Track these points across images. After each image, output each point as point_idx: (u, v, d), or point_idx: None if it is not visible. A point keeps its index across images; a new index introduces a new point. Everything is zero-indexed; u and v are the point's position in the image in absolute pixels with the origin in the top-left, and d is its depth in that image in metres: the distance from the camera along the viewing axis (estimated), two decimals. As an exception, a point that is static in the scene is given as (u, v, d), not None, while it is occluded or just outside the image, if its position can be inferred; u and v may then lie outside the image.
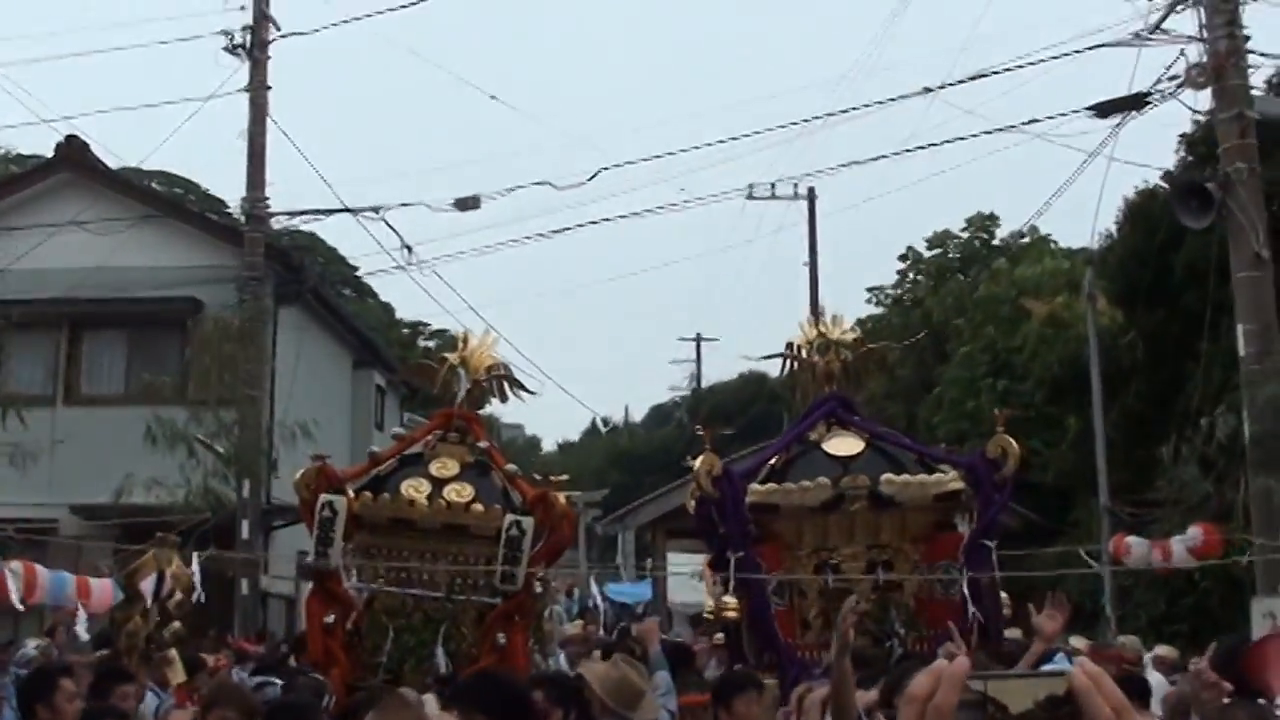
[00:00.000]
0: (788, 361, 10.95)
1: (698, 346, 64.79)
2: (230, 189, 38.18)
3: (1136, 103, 18.39)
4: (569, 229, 26.09)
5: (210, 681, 12.44)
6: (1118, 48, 18.29)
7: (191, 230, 27.49)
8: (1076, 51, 18.92)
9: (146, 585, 11.90)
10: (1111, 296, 24.73)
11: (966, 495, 9.82)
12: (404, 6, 27.13)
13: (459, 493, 9.70)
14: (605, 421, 76.01)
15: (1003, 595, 9.99)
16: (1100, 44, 18.50)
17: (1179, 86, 17.83)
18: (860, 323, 37.22)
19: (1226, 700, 7.11)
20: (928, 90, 20.66)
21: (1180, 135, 22.72)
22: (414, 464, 10.07)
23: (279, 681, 11.67)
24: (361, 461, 10.88)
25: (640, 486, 44.40)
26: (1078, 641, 15.10)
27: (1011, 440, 9.86)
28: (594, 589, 26.18)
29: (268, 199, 25.44)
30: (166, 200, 31.26)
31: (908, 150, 22.04)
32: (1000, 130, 20.20)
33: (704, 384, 66.76)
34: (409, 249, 26.30)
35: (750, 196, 35.44)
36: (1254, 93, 17.82)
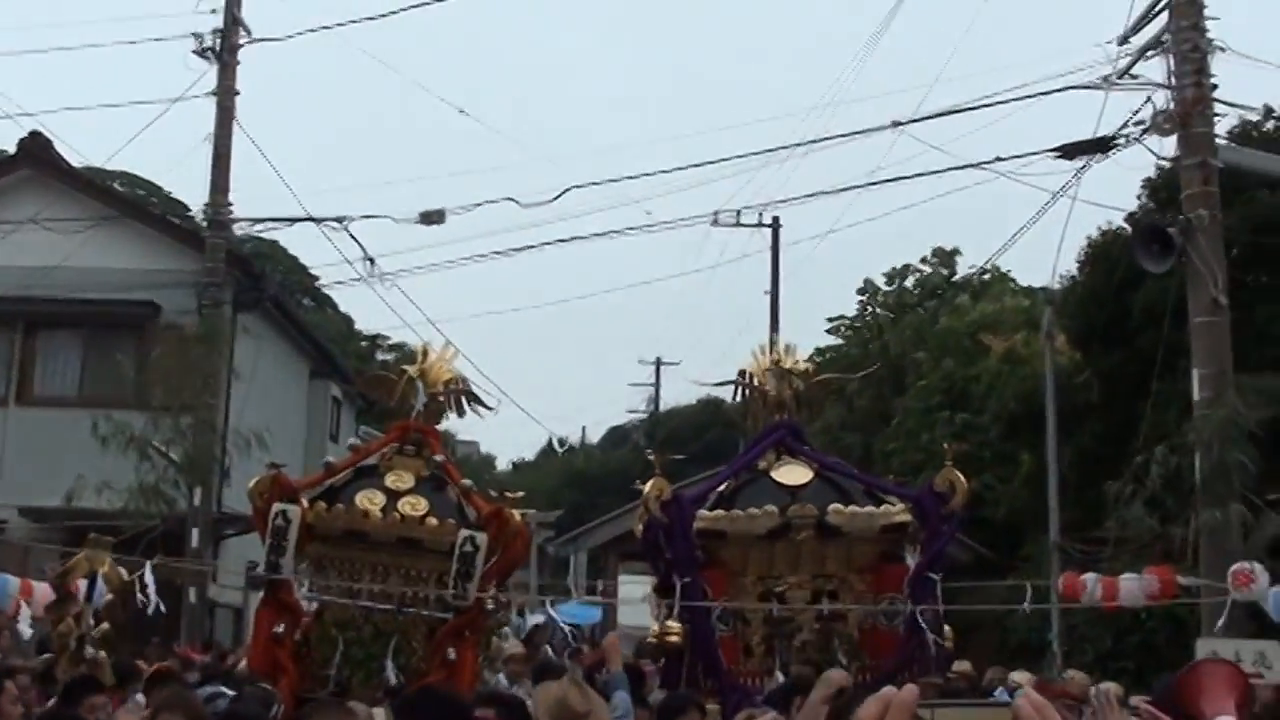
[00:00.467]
0: (741, 388, 10.98)
1: (657, 370, 64.84)
2: (193, 193, 37.99)
3: (1102, 146, 18.54)
4: (533, 247, 26.02)
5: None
6: (1086, 91, 18.44)
7: (152, 233, 27.34)
8: (1045, 93, 19.06)
9: (79, 587, 11.84)
10: (1070, 336, 24.86)
11: (914, 528, 9.86)
12: (375, 17, 27.16)
13: (414, 506, 9.69)
14: (561, 442, 75.89)
15: (946, 628, 10.01)
16: (1069, 86, 18.64)
17: (1145, 131, 17.99)
18: (820, 352, 37.37)
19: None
20: (896, 125, 20.75)
21: (1144, 180, 22.90)
22: (369, 476, 10.06)
23: (230, 692, 11.61)
24: (315, 473, 10.86)
25: (595, 508, 44.35)
26: (1021, 676, 15.15)
27: (959, 474, 9.91)
28: (550, 610, 26.07)
29: (231, 204, 25.38)
30: (128, 201, 31.07)
31: (873, 183, 22.15)
32: (966, 167, 20.31)
33: (662, 408, 66.74)
34: (371, 261, 26.25)
35: (715, 223, 35.41)
36: (1218, 141, 17.97)
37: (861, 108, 48.14)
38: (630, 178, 25.78)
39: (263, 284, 27.60)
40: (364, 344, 52.67)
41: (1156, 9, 17.82)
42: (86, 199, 26.94)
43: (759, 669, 9.86)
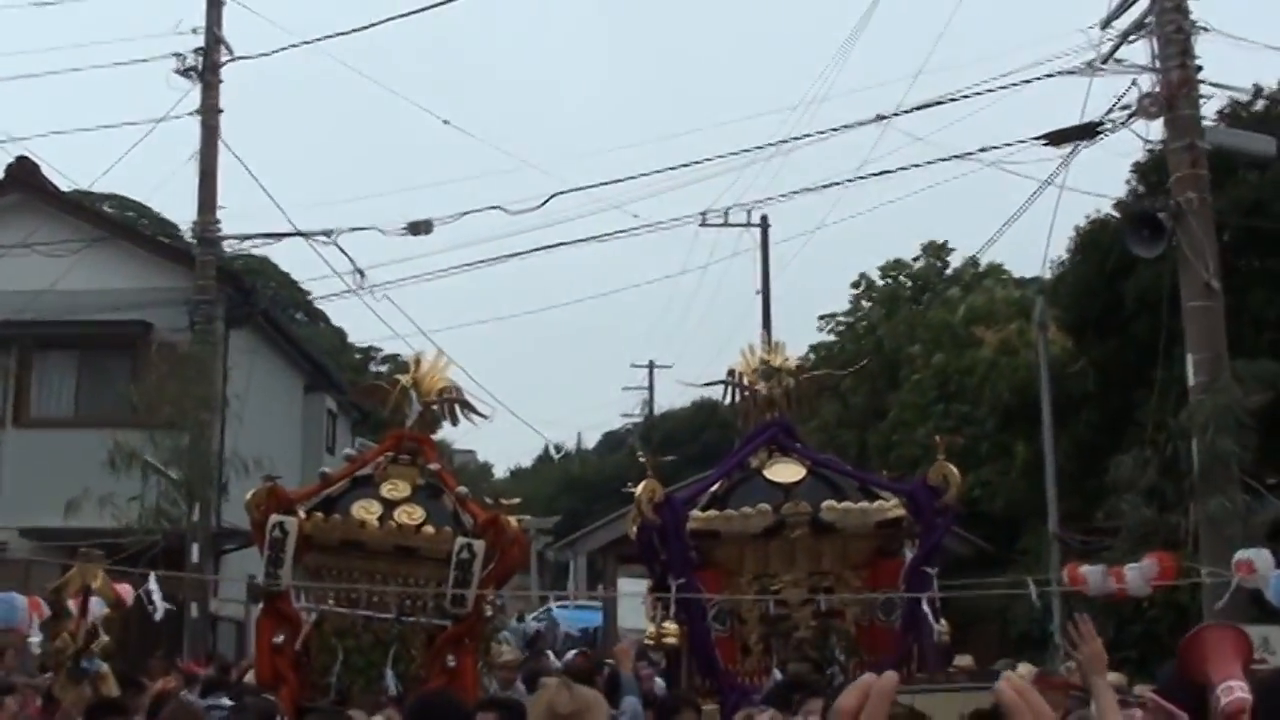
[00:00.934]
0: (731, 388, 10.96)
1: (650, 373, 64.78)
2: (182, 212, 37.89)
3: (1089, 132, 18.49)
4: (521, 254, 26.02)
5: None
6: (1071, 77, 18.41)
7: (142, 253, 27.37)
8: (1029, 81, 19.02)
9: (74, 602, 11.82)
10: (1063, 325, 24.81)
11: (909, 522, 9.82)
12: (356, 30, 27.17)
13: (410, 515, 9.69)
14: (558, 448, 75.87)
15: (943, 622, 9.98)
16: (1053, 73, 18.60)
17: (1131, 116, 17.94)
18: (813, 350, 37.32)
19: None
20: (881, 118, 20.75)
21: (1132, 165, 22.84)
22: (365, 486, 10.05)
23: (228, 703, 11.59)
24: (312, 485, 10.85)
25: (592, 513, 44.35)
26: (1024, 669, 15.12)
27: (953, 467, 9.89)
28: (557, 616, 26.08)
29: (219, 222, 25.36)
30: (117, 223, 31.12)
31: (860, 178, 22.13)
32: (952, 159, 20.29)
33: (657, 411, 66.68)
34: (360, 273, 26.23)
35: (703, 223, 35.40)
36: (1205, 123, 17.94)
37: (846, 103, 48.12)
38: (616, 181, 25.70)
39: (254, 299, 27.62)
40: (357, 356, 52.69)
41: (1139, -9, 17.79)
42: (76, 221, 26.96)
43: (757, 668, 9.84)
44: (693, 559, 9.96)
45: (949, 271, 38.82)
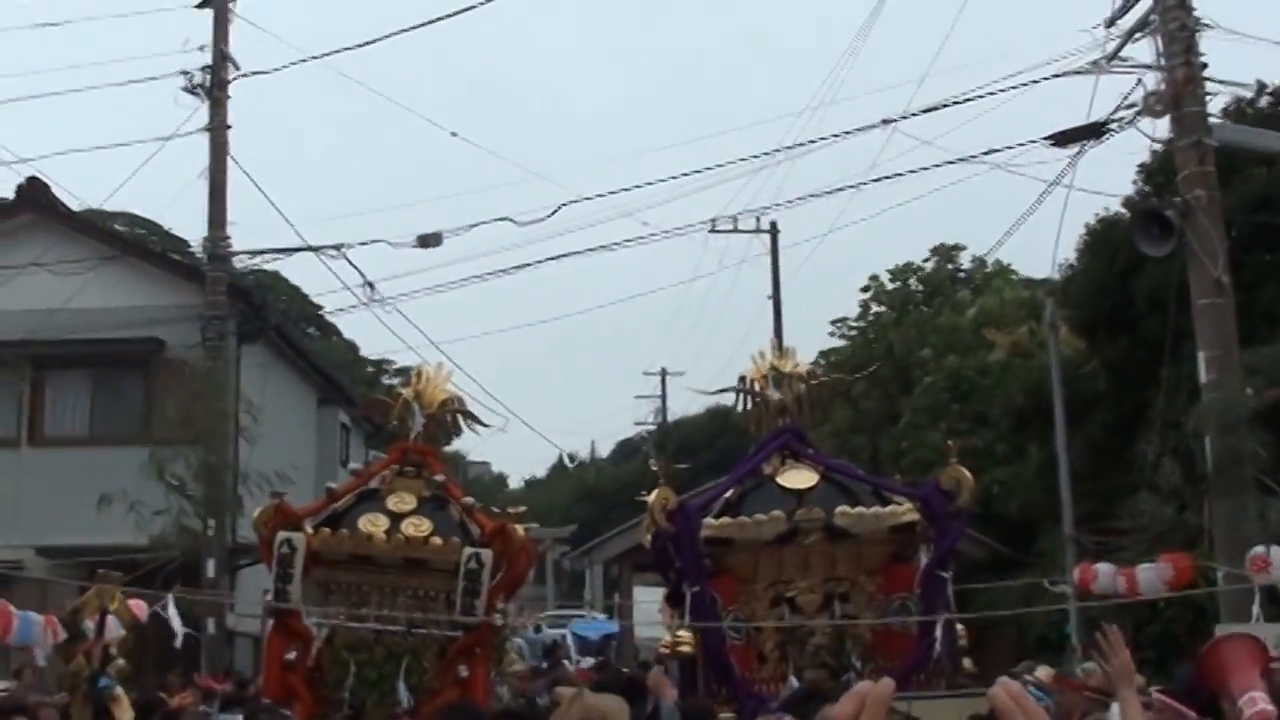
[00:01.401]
0: (742, 395, 10.93)
1: (663, 381, 64.81)
2: (192, 228, 37.94)
3: (1095, 131, 18.47)
4: (531, 265, 26.05)
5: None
6: (1076, 77, 18.39)
7: (154, 270, 27.46)
8: (1034, 81, 19.01)
9: (91, 622, 11.84)
10: (1073, 325, 24.74)
11: (923, 527, 9.78)
12: (362, 45, 27.23)
13: (417, 527, 9.68)
14: (571, 458, 75.91)
15: (960, 626, 9.94)
16: (1058, 73, 18.59)
17: (1137, 115, 17.92)
18: (824, 354, 37.30)
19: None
20: (886, 122, 20.74)
21: (1139, 164, 22.79)
22: (371, 499, 10.05)
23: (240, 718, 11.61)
24: (318, 501, 10.85)
25: (608, 522, 44.36)
26: (1042, 672, 15.07)
27: (965, 471, 9.84)
28: (567, 632, 26.13)
29: (229, 238, 25.43)
30: (128, 240, 31.22)
31: (867, 182, 22.14)
32: (959, 161, 20.29)
33: (670, 418, 66.71)
34: (371, 286, 26.28)
35: (713, 230, 35.45)
36: (1212, 120, 17.90)
37: (853, 107, 48.10)
38: (625, 189, 25.86)
39: (265, 315, 27.67)
40: (370, 369, 52.76)
41: (1142, -11, 17.77)
42: (87, 240, 27.06)
43: (773, 675, 9.81)
44: (707, 567, 9.94)
45: (961, 273, 38.76)
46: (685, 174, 24.17)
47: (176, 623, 13.67)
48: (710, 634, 9.73)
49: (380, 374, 52.41)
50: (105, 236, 28.53)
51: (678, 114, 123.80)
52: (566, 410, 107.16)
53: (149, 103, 31.76)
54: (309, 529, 9.69)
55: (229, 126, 25.62)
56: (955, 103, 19.83)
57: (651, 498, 9.96)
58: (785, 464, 10.33)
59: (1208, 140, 17.22)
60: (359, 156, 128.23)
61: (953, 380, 30.64)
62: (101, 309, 25.30)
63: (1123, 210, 22.98)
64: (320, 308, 41.35)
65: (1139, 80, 17.66)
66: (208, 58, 25.63)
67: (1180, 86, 17.08)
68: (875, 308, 40.55)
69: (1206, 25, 17.40)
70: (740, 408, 11.19)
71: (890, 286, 40.34)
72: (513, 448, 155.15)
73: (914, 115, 20.69)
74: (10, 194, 28.29)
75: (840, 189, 22.79)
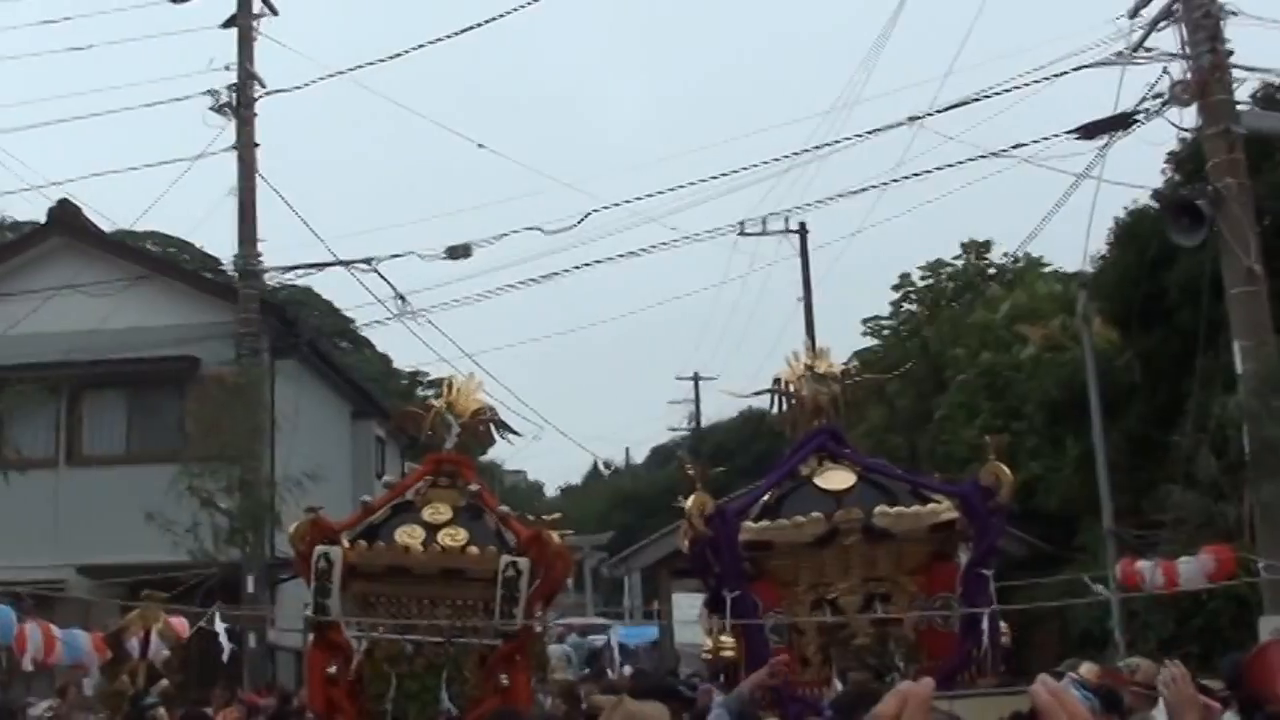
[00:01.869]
0: (777, 397, 10.89)
1: (695, 386, 64.73)
2: (223, 246, 38.12)
3: (1122, 122, 18.42)
4: (560, 273, 26.17)
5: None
6: (1101, 68, 18.35)
7: (186, 289, 27.62)
8: (1060, 74, 18.97)
9: (133, 644, 11.88)
10: (1106, 317, 24.66)
11: (963, 524, 9.73)
12: (386, 59, 27.31)
13: (453, 537, 9.67)
14: (607, 464, 75.81)
15: (1003, 624, 9.88)
16: (1083, 65, 18.55)
17: (1164, 104, 17.87)
18: (857, 354, 37.22)
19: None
20: (913, 119, 20.74)
21: (1167, 154, 22.70)
22: (407, 511, 10.04)
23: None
24: (354, 515, 10.85)
25: (644, 528, 44.33)
26: (1086, 668, 14.99)
27: (1004, 467, 9.76)
28: (610, 638, 26.12)
29: (260, 255, 25.56)
30: (160, 260, 31.46)
31: (895, 180, 22.13)
32: (987, 156, 20.25)
33: (704, 423, 66.58)
34: (402, 299, 26.39)
35: (742, 233, 35.49)
36: (1240, 107, 17.84)
37: (879, 105, 48.09)
38: (652, 195, 25.87)
39: (298, 330, 27.78)
40: (403, 382, 52.86)
41: (1165, -23, 17.72)
42: (119, 261, 27.27)
43: (816, 678, 9.76)
44: (747, 570, 9.90)
45: (990, 270, 38.61)
46: (712, 177, 24.14)
47: (224, 638, 13.75)
48: (753, 638, 9.69)
49: (414, 387, 52.48)
50: (137, 256, 28.77)
51: (707, 117, 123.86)
52: (600, 417, 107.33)
53: (177, 123, 31.96)
54: (345, 542, 9.70)
55: (257, 144, 25.76)
56: (981, 98, 19.82)
57: (689, 503, 9.92)
58: (823, 465, 10.28)
59: (1236, 128, 17.17)
60: (387, 170, 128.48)
61: (987, 376, 30.56)
62: (135, 328, 25.47)
63: (1152, 201, 22.89)
64: (352, 321, 41.49)
65: (1164, 70, 17.64)
66: (234, 77, 25.76)
67: (1206, 75, 17.03)
68: (907, 306, 40.46)
69: (1231, 12, 17.36)
70: (775, 410, 11.15)
71: (921, 284, 40.24)
72: (548, 456, 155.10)
73: (940, 112, 20.68)
74: (41, 217, 28.51)
75: (868, 188, 22.81)
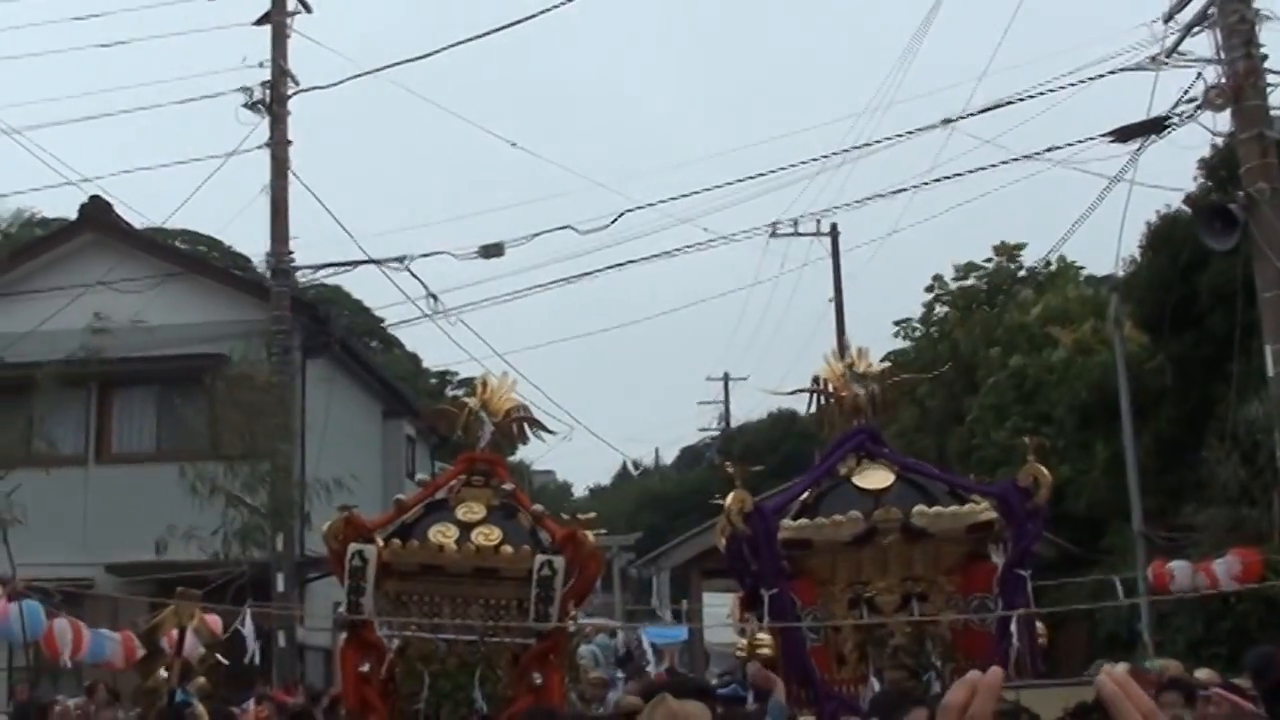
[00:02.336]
0: (815, 396, 10.90)
1: (725, 386, 64.73)
2: (254, 244, 38.08)
3: (1156, 127, 18.42)
4: (593, 273, 26.21)
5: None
6: (1135, 72, 18.33)
7: (217, 286, 27.67)
8: (1094, 78, 18.98)
9: (169, 640, 11.91)
10: (1137, 321, 24.62)
11: (1000, 525, 9.74)
12: (421, 57, 27.39)
13: (487, 536, 9.68)
14: (636, 465, 75.86)
15: (1039, 624, 9.89)
16: (1118, 69, 18.54)
17: (1198, 109, 17.86)
18: (888, 356, 37.14)
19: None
20: (947, 122, 20.74)
21: (1200, 158, 22.65)
22: (440, 510, 10.05)
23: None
24: (387, 512, 10.87)
25: (673, 528, 44.33)
26: (1120, 669, 14.95)
27: (1043, 468, 9.77)
28: (643, 638, 26.14)
29: (292, 253, 25.61)
30: (191, 257, 31.49)
31: (928, 183, 22.13)
32: (1021, 159, 20.25)
33: (733, 423, 66.58)
34: (434, 298, 26.44)
35: (774, 234, 35.48)
36: (1274, 113, 17.81)
37: (912, 107, 48.05)
38: (685, 195, 25.88)
39: (329, 329, 27.81)
40: (433, 381, 52.93)
41: (1201, -17, 17.71)
42: (150, 258, 27.32)
43: (853, 676, 9.77)
44: (785, 569, 9.92)
45: (1021, 272, 38.51)
46: (746, 178, 24.18)
47: (251, 638, 13.78)
48: (790, 636, 9.71)
49: (444, 386, 52.56)
50: (168, 254, 28.82)
51: (747, 118, 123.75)
52: (630, 417, 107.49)
53: (209, 120, 32.05)
54: (379, 541, 9.72)
55: (290, 142, 25.80)
56: (1015, 101, 19.82)
57: (728, 501, 9.94)
58: (861, 464, 10.29)
59: (1270, 133, 17.16)
60: (420, 169, 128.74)
61: (1018, 379, 30.51)
62: (165, 326, 25.51)
63: (1184, 206, 22.84)
64: (382, 320, 41.55)
65: (1199, 74, 17.64)
66: (267, 74, 25.82)
67: (1241, 80, 17.01)
68: (939, 308, 40.39)
69: (1267, 17, 17.36)
70: (812, 409, 11.16)
71: (953, 286, 40.17)
72: (577, 456, 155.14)
73: (974, 114, 20.68)
74: (72, 214, 28.59)
75: (901, 190, 22.80)
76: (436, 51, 27.08)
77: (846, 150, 23.99)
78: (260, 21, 26.25)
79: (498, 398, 10.62)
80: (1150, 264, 24.35)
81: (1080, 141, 19.33)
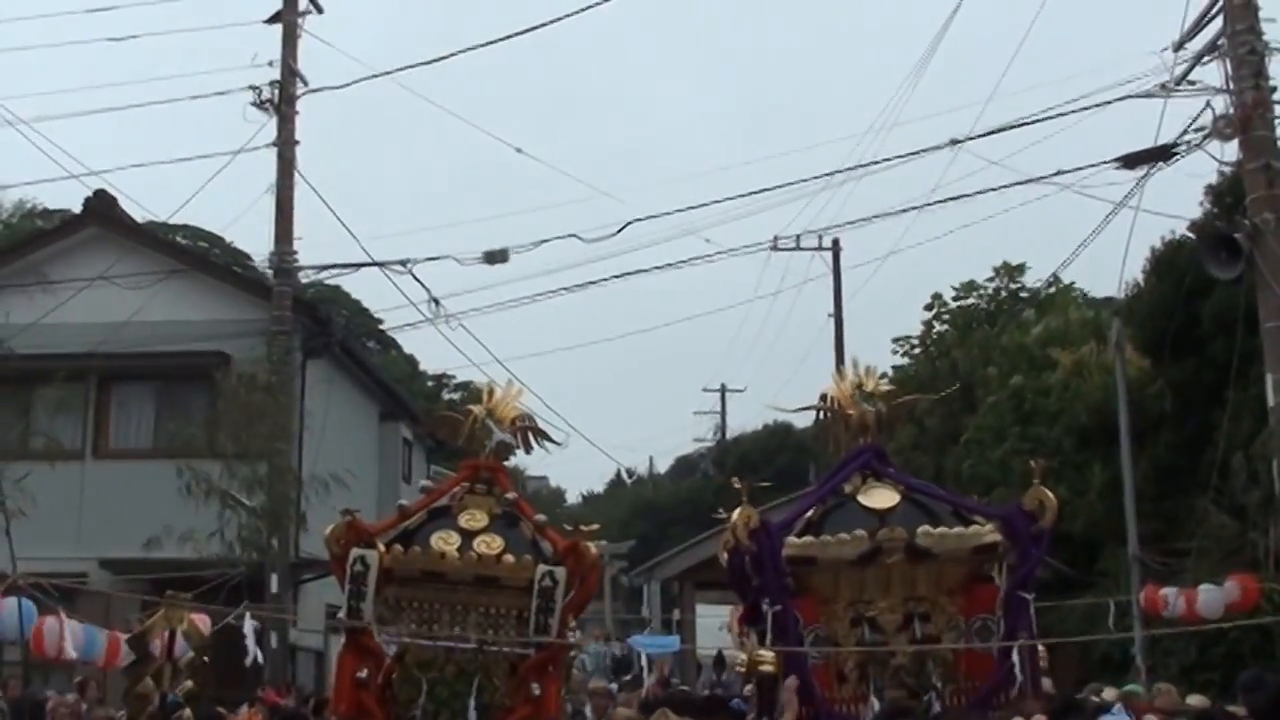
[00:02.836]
0: (820, 413, 10.90)
1: (722, 397, 64.71)
2: (256, 242, 38.07)
3: (1163, 154, 18.46)
4: (597, 282, 26.22)
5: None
6: (1144, 99, 18.36)
7: (218, 284, 27.62)
8: (1102, 104, 18.98)
9: (158, 643, 11.89)
10: (1138, 346, 24.64)
11: (1003, 547, 9.75)
12: (430, 62, 27.37)
13: (489, 544, 9.65)
14: (630, 473, 75.81)
15: (1039, 647, 9.91)
16: (1127, 96, 18.57)
17: (1205, 137, 17.90)
18: (885, 374, 37.07)
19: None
20: (954, 142, 20.74)
21: (1206, 186, 22.67)
22: (443, 516, 10.02)
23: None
24: (389, 514, 10.85)
25: (665, 538, 44.32)
26: (1109, 693, 15.01)
27: (1049, 492, 9.80)
28: (638, 647, 26.13)
29: (295, 253, 25.58)
30: (193, 254, 31.43)
31: (933, 203, 22.15)
32: (1027, 182, 20.27)
33: (729, 435, 66.58)
34: (436, 302, 26.42)
35: (775, 248, 35.52)
36: (1281, 144, 17.85)
37: (918, 127, 48.08)
38: (691, 208, 25.96)
39: (330, 329, 27.78)
40: (430, 384, 52.89)
41: (1211, 13, 17.75)
42: (153, 254, 27.25)
43: (853, 695, 9.77)
44: (789, 586, 9.91)
45: (1024, 293, 38.51)
46: (750, 193, 24.18)
47: (251, 641, 13.76)
48: (793, 653, 9.71)
49: (440, 389, 52.52)
50: (171, 250, 28.77)
51: (744, 132, 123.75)
52: (625, 426, 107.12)
53: (217, 117, 32.00)
54: (381, 546, 9.70)
55: (297, 142, 25.79)
56: (1022, 124, 19.83)
57: (734, 515, 9.94)
58: (866, 483, 10.29)
59: (1276, 164, 17.18)
60: (427, 172, 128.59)
61: (1016, 400, 30.49)
62: (166, 322, 25.47)
63: (1189, 234, 22.87)
64: (381, 322, 41.53)
65: (1208, 103, 17.68)
66: (276, 73, 25.83)
67: (1249, 110, 17.06)
68: (938, 326, 40.37)
69: (1276, 49, 17.39)
70: (816, 423, 11.17)
71: (953, 305, 40.14)
72: (571, 463, 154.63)
73: (981, 136, 20.68)
74: (77, 206, 28.56)
75: (904, 210, 22.81)
76: (446, 56, 27.10)
77: (851, 168, 23.96)
78: (271, 20, 26.26)
79: (504, 406, 10.60)
80: (1153, 289, 24.38)
81: (1087, 166, 19.37)
